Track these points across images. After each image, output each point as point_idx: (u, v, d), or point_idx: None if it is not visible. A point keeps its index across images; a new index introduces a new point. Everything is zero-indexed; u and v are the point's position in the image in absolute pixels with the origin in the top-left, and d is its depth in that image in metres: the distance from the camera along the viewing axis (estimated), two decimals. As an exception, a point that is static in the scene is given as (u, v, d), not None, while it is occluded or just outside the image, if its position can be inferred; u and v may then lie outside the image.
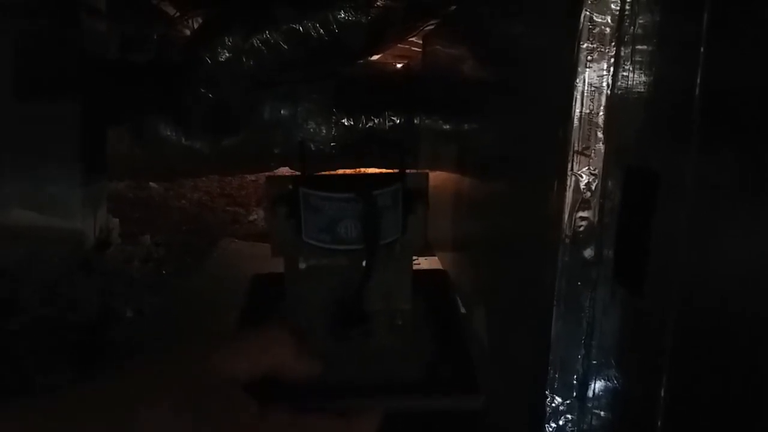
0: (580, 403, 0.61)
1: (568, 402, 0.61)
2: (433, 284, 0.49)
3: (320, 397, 0.35)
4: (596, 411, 0.61)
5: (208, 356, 0.32)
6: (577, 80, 0.58)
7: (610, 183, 0.59)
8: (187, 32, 2.06)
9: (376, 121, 1.67)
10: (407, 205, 0.42)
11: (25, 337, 1.18)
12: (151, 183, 2.24)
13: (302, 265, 0.42)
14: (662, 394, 0.51)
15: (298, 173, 0.43)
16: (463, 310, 1.28)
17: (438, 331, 0.44)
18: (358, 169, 1.86)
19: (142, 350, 1.11)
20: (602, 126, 0.58)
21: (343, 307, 0.42)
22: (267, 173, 1.77)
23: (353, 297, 0.41)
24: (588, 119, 0.58)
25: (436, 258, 1.57)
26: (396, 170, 0.42)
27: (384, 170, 1.53)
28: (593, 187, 0.59)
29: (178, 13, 2.08)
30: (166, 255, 1.69)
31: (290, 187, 0.41)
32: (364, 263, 0.40)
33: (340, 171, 1.76)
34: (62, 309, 1.29)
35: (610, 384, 0.60)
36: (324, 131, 1.67)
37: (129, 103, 1.63)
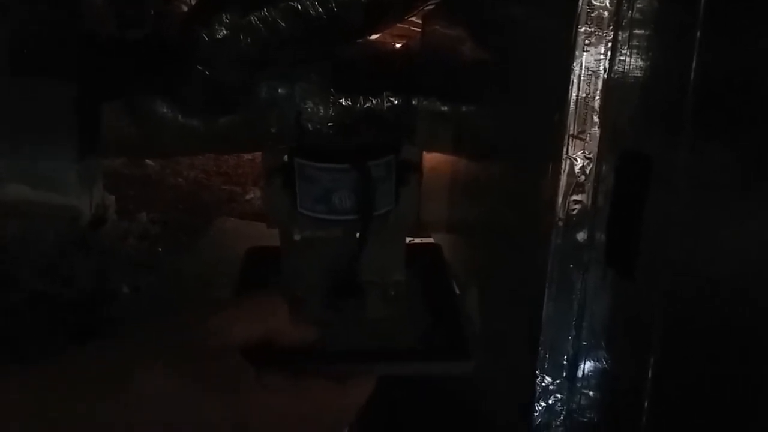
0: (570, 383, 0.63)
1: (557, 382, 0.62)
2: (426, 257, 0.50)
3: (316, 363, 0.36)
4: (585, 391, 0.62)
5: (204, 321, 0.32)
6: (574, 64, 0.58)
7: (604, 167, 0.59)
8: (185, 9, 2.03)
9: (374, 101, 1.66)
10: (401, 177, 0.42)
11: (21, 313, 1.18)
12: (147, 160, 2.23)
13: (297, 236, 0.43)
14: (650, 375, 0.52)
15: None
16: (457, 291, 1.29)
17: (431, 301, 0.45)
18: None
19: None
20: (598, 110, 0.59)
21: (337, 277, 0.43)
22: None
23: (347, 267, 0.42)
24: (584, 103, 0.58)
25: (432, 240, 1.58)
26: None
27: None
28: (588, 171, 0.59)
29: (175, -11, 2.05)
30: (162, 233, 1.69)
31: (286, 158, 0.42)
32: (358, 234, 0.41)
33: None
34: (58, 285, 1.29)
35: (599, 365, 0.61)
36: (321, 111, 1.66)
37: (124, 80, 1.62)
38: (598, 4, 0.56)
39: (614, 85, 0.58)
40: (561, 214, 0.60)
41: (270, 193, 0.42)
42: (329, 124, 1.65)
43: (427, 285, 0.47)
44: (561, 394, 0.63)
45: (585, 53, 0.58)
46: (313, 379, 0.34)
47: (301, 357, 0.35)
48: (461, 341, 0.41)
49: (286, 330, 0.34)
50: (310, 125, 1.61)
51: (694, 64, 0.48)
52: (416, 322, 0.43)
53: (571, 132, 0.59)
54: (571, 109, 0.58)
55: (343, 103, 1.66)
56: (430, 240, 1.65)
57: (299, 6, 1.51)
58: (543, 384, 0.63)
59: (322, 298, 0.44)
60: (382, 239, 0.43)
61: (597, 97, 0.58)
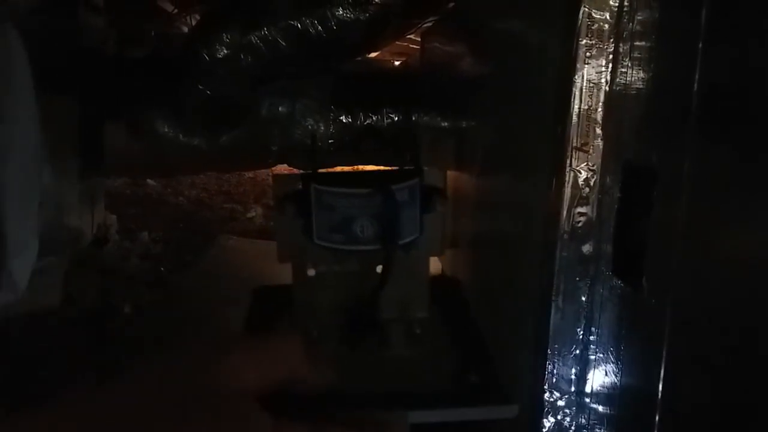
0: (579, 398, 0.62)
1: (566, 397, 0.62)
2: (445, 291, 0.47)
3: (339, 409, 0.32)
4: (594, 406, 0.61)
5: (215, 363, 0.29)
6: (576, 76, 0.58)
7: (608, 179, 0.59)
8: (185, 29, 2.05)
9: (374, 118, 1.67)
10: (425, 203, 0.39)
11: (23, 331, 1.18)
12: (148, 180, 2.24)
13: (311, 272, 0.40)
14: (660, 388, 0.52)
15: (298, 171, 0.41)
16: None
17: (457, 338, 0.42)
18: (355, 167, 1.86)
19: (141, 346, 1.11)
20: (600, 122, 0.59)
21: (356, 314, 0.40)
22: (276, 172, 1.77)
23: (367, 303, 0.39)
24: (586, 115, 0.58)
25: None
26: (411, 167, 0.39)
27: (386, 167, 1.53)
28: (592, 183, 0.59)
29: (176, 10, 2.08)
30: (163, 251, 1.69)
31: (300, 185, 0.39)
32: (380, 266, 0.37)
33: (339, 168, 1.76)
34: (60, 304, 1.29)
35: (608, 379, 0.60)
36: (322, 128, 1.67)
37: (126, 99, 1.63)
38: (598, 16, 0.57)
39: (616, 96, 0.58)
40: (566, 227, 0.59)
41: (282, 223, 0.39)
42: (330, 141, 1.66)
43: (450, 321, 0.44)
44: (570, 409, 0.62)
45: (586, 66, 0.58)
46: (336, 427, 0.31)
47: (322, 403, 0.32)
48: (497, 382, 0.38)
49: (303, 373, 0.31)
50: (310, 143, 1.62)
51: (696, 75, 0.48)
52: (445, 361, 0.40)
53: (574, 144, 0.59)
54: (573, 121, 0.58)
55: (344, 120, 1.67)
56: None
57: (299, 25, 1.52)
58: (551, 399, 0.62)
59: (340, 337, 0.40)
60: (405, 271, 0.40)
61: (599, 109, 0.58)
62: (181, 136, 1.62)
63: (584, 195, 0.59)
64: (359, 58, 1.80)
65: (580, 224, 0.59)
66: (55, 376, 1.00)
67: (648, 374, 0.53)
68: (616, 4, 0.56)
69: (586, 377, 0.61)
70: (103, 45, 1.71)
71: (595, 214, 0.59)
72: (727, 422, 0.46)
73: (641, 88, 0.56)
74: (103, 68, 1.62)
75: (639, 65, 0.56)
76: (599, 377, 0.60)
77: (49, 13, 1.51)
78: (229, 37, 1.52)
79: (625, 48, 0.57)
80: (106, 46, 1.75)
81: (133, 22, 1.93)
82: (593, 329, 0.60)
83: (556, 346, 0.61)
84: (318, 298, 0.41)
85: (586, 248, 0.59)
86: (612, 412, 0.60)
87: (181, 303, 1.35)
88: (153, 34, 1.98)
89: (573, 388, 0.61)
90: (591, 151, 0.59)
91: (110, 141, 1.63)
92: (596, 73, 0.58)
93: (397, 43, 2.04)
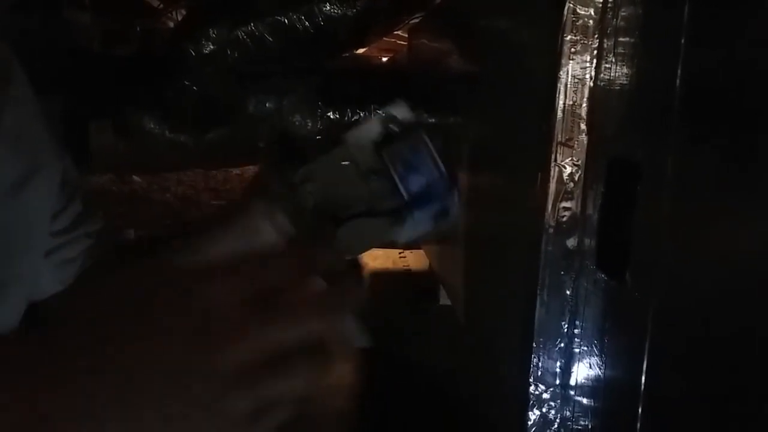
0: (563, 390, 0.62)
1: (551, 389, 0.62)
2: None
3: None
4: (578, 398, 0.62)
5: None
6: (561, 72, 0.58)
7: (592, 174, 0.59)
8: (171, 25, 2.04)
9: (361, 114, 1.67)
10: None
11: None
12: (134, 177, 2.22)
13: None
14: (643, 380, 0.52)
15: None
16: (447, 302, 1.29)
17: None
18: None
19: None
20: (585, 117, 0.59)
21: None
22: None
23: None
24: (571, 111, 0.59)
25: (422, 251, 1.58)
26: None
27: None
28: (576, 178, 0.60)
29: (161, 6, 2.06)
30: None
31: None
32: None
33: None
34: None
35: (592, 371, 0.61)
36: (310, 125, 1.66)
37: (112, 97, 1.61)
38: (583, 12, 0.57)
39: (601, 92, 0.58)
40: (551, 221, 0.60)
41: None
42: (317, 137, 1.65)
43: None
44: (555, 402, 0.62)
45: (571, 61, 0.58)
46: None
47: None
48: None
49: None
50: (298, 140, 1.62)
51: (679, 71, 0.48)
52: None
53: (558, 139, 0.59)
54: (558, 117, 0.59)
55: (331, 116, 1.67)
56: (420, 251, 1.65)
57: (286, 21, 1.51)
58: (536, 392, 0.62)
59: None
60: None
61: (584, 105, 0.59)
62: (167, 132, 1.61)
63: (569, 190, 0.60)
64: (346, 55, 1.80)
65: (564, 219, 0.60)
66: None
67: (631, 367, 0.53)
68: (601, 0, 0.57)
69: (570, 370, 0.61)
70: (88, 42, 1.69)
71: (579, 208, 0.60)
72: (708, 414, 0.46)
73: (625, 84, 0.56)
74: (89, 65, 1.61)
75: (623, 61, 0.56)
76: (583, 370, 0.61)
77: (33, 10, 1.49)
78: (215, 32, 1.51)
79: (609, 44, 0.57)
80: (92, 43, 1.74)
81: (119, 17, 1.91)
82: (578, 323, 0.61)
83: (541, 339, 0.61)
84: None
85: (571, 242, 0.60)
86: (596, 404, 0.61)
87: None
88: (138, 30, 1.97)
89: (558, 381, 0.62)
90: (576, 146, 0.59)
91: (96, 138, 1.61)
92: (581, 68, 0.58)
93: (384, 39, 2.04)
